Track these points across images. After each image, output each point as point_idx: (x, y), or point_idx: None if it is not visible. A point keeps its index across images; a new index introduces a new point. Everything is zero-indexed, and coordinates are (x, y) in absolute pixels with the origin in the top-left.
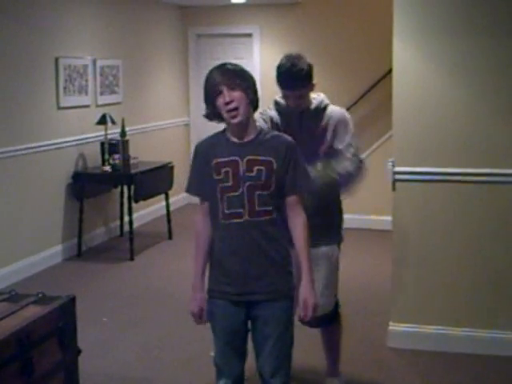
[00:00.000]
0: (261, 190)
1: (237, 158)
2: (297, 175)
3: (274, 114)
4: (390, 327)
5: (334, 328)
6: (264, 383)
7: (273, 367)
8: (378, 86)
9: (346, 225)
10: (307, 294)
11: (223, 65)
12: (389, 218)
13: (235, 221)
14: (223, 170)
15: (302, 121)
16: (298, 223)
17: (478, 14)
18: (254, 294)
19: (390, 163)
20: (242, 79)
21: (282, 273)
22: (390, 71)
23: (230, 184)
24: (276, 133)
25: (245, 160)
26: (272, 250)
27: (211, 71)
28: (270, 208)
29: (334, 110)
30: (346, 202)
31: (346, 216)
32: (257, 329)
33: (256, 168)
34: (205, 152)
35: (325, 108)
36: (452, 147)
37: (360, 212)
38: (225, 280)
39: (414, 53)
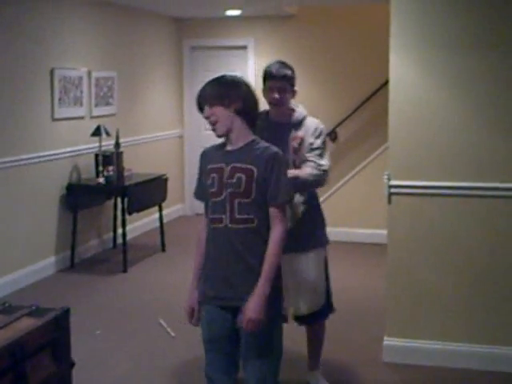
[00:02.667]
0: (241, 197)
1: (223, 165)
2: (279, 186)
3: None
4: (385, 342)
5: (320, 325)
6: None
7: (257, 379)
8: (373, 98)
9: (341, 238)
10: (249, 307)
11: (211, 80)
12: (384, 231)
13: (217, 226)
14: (211, 176)
15: (283, 134)
16: (272, 236)
17: (473, 27)
18: (233, 300)
19: (386, 176)
20: (223, 94)
21: None
22: (385, 83)
23: (215, 189)
24: (267, 144)
25: (229, 167)
26: (251, 258)
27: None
28: (251, 216)
29: (311, 120)
30: (342, 215)
31: (341, 230)
32: (241, 337)
33: (237, 175)
34: (204, 158)
35: (303, 120)
36: (448, 161)
37: (355, 225)
38: (209, 284)
39: (410, 65)
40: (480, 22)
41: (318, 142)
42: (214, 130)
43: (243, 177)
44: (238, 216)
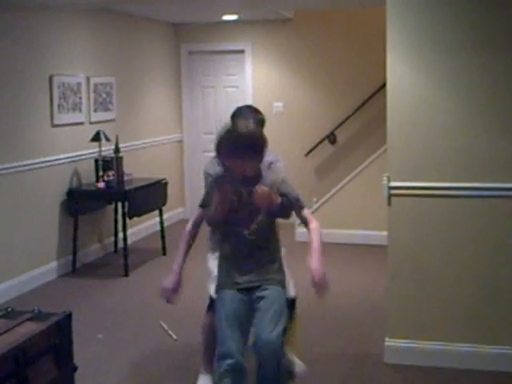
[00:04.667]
0: None
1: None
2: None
3: (218, 169)
4: (387, 343)
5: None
6: (262, 344)
7: (273, 324)
8: (371, 100)
9: (341, 240)
10: (315, 267)
11: (239, 136)
12: (384, 233)
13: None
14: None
15: None
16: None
17: (470, 29)
18: (251, 282)
19: (385, 178)
20: (252, 154)
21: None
22: (383, 86)
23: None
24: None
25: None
26: (266, 253)
27: (229, 137)
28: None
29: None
30: (342, 217)
31: (341, 231)
32: (257, 307)
33: None
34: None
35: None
36: (447, 161)
37: (355, 227)
38: (228, 274)
39: (408, 67)
40: (477, 24)
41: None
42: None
43: None
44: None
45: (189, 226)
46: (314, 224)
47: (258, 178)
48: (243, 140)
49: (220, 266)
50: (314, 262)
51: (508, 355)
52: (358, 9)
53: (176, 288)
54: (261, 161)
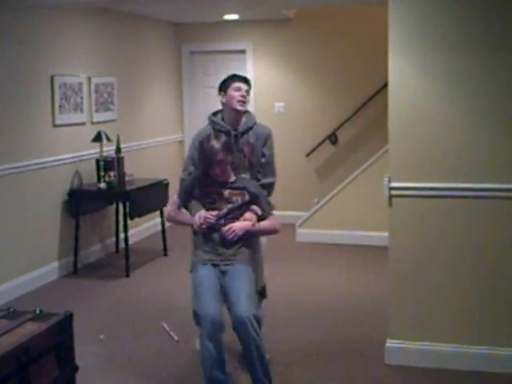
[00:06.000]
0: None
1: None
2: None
3: (209, 132)
4: (388, 344)
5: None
6: (238, 322)
7: (246, 307)
8: (372, 100)
9: (342, 241)
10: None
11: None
12: (385, 233)
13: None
14: None
15: (236, 140)
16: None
17: (472, 29)
18: (224, 260)
19: (386, 179)
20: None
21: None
22: (385, 86)
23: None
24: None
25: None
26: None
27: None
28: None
29: (261, 128)
30: (343, 218)
31: (342, 232)
32: (228, 283)
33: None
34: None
35: (252, 126)
36: (448, 162)
37: (356, 228)
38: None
39: (410, 67)
40: (479, 24)
41: (272, 151)
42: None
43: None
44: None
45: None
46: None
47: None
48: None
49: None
50: (243, 223)
51: (509, 357)
52: (359, 7)
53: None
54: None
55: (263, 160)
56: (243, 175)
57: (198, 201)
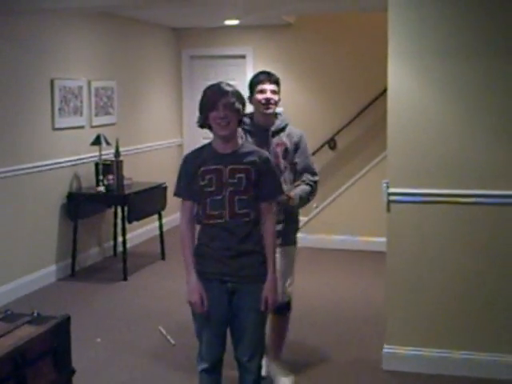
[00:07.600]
0: (241, 194)
1: (221, 167)
2: (272, 186)
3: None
4: (385, 350)
5: (287, 317)
6: (241, 367)
7: (250, 353)
8: (371, 106)
9: (340, 246)
10: (268, 292)
11: (221, 84)
12: (383, 239)
13: (217, 221)
14: (207, 177)
15: (266, 138)
16: (267, 228)
17: (471, 35)
18: (232, 277)
19: (385, 184)
20: (237, 100)
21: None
22: (384, 92)
23: (213, 189)
24: (253, 147)
25: (227, 168)
26: (250, 244)
27: (210, 88)
28: (248, 210)
29: (293, 129)
30: (341, 223)
31: (340, 237)
32: (236, 316)
33: (237, 175)
34: (192, 162)
35: (284, 127)
36: (447, 168)
37: (354, 233)
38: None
39: (408, 74)
40: (477, 31)
41: (307, 153)
42: (222, 128)
43: (243, 176)
44: (238, 211)
45: (184, 225)
46: (269, 222)
47: (241, 155)
48: (225, 86)
49: None
50: (268, 285)
51: (505, 363)
52: (358, 13)
53: (202, 299)
54: (240, 117)
55: (304, 161)
56: (284, 186)
57: (195, 193)
